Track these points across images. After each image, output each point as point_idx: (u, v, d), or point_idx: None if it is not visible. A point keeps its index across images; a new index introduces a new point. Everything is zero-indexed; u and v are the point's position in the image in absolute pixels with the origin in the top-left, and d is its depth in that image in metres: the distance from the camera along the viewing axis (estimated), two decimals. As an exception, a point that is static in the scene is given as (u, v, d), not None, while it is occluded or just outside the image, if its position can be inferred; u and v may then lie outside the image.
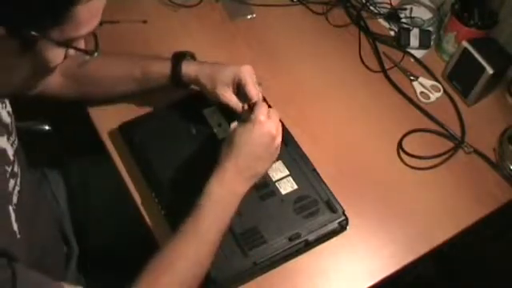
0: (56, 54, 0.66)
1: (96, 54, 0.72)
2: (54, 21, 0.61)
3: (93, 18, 0.65)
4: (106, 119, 1.03)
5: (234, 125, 0.88)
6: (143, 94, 1.03)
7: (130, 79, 0.99)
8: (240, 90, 0.94)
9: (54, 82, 0.97)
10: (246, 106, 0.93)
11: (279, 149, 0.89)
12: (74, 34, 0.64)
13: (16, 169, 0.79)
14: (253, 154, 0.85)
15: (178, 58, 0.97)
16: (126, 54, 1.03)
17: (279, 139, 0.88)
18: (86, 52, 0.70)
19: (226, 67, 0.94)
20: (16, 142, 0.83)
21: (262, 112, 0.86)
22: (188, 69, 0.95)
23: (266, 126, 0.85)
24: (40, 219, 0.90)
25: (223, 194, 0.83)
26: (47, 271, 0.88)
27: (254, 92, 0.92)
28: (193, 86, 0.99)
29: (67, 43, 0.66)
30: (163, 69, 0.96)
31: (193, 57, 1.00)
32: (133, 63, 0.99)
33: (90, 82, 0.99)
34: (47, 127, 1.21)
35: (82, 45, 0.69)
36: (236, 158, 0.84)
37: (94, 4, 0.63)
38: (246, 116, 0.89)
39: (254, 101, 0.91)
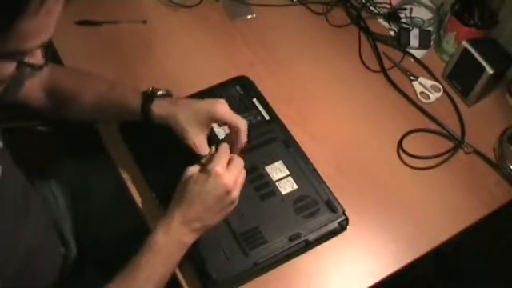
0: (2, 66, 0.61)
1: (45, 69, 0.67)
2: None
3: (40, 33, 0.60)
4: (106, 119, 1.03)
5: (192, 169, 0.83)
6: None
7: (106, 107, 0.94)
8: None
9: (35, 97, 0.95)
10: (213, 149, 0.87)
11: (236, 202, 0.84)
12: (18, 47, 0.59)
13: None
14: (204, 206, 0.81)
15: (149, 96, 0.91)
16: (109, 80, 0.97)
17: (236, 193, 0.82)
18: (32, 66, 0.64)
19: (200, 109, 0.88)
20: (0, 143, 0.81)
21: (220, 163, 0.81)
22: (158, 109, 0.89)
23: (223, 178, 0.81)
24: (31, 220, 0.89)
25: (168, 243, 0.80)
26: (38, 271, 0.87)
27: (237, 122, 0.88)
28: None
29: (14, 55, 0.61)
30: (136, 104, 0.91)
31: (168, 93, 0.94)
32: (112, 92, 0.95)
33: (69, 100, 0.95)
34: (47, 127, 1.21)
35: (37, 56, 0.64)
36: (186, 208, 0.80)
37: (40, 20, 0.57)
38: (207, 162, 0.84)
39: (237, 129, 0.87)
